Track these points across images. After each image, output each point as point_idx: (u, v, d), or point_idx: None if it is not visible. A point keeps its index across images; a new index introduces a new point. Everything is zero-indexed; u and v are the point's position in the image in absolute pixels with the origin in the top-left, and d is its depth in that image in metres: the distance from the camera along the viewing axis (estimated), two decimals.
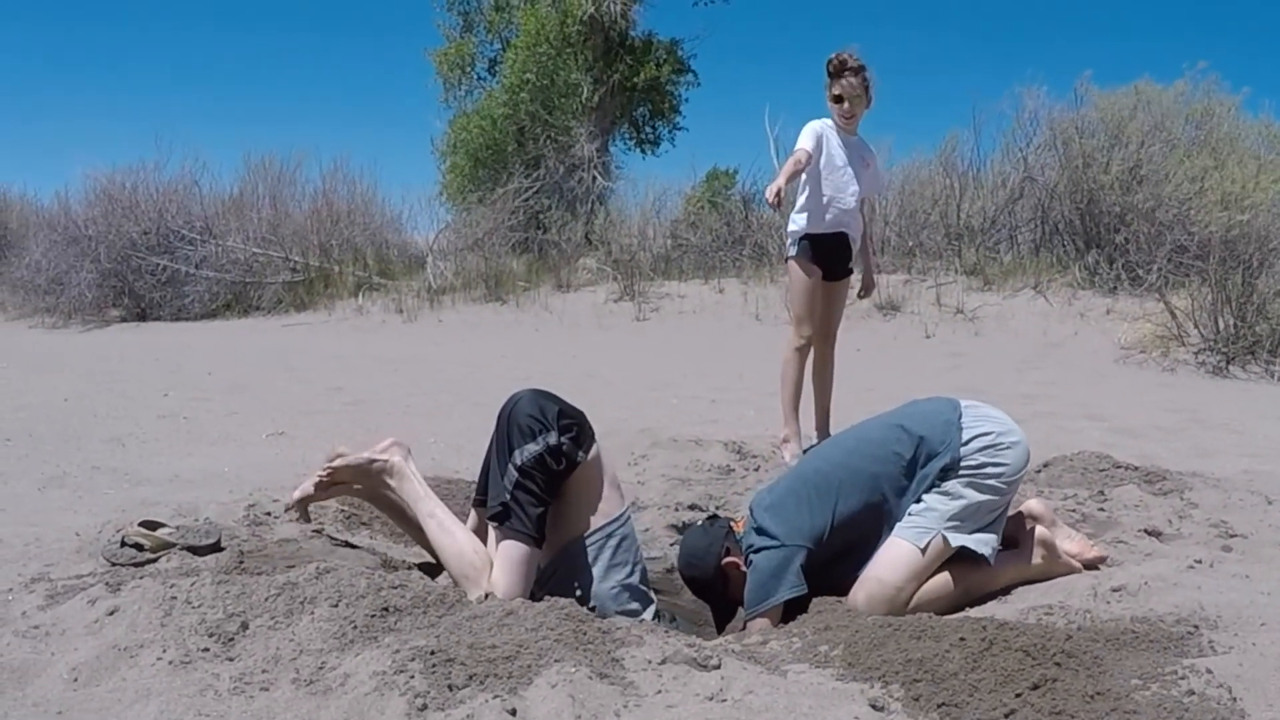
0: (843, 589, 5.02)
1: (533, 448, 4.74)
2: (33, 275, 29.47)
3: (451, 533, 4.97)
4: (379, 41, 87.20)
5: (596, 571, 4.85)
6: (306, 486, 5.31)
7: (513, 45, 31.03)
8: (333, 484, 5.30)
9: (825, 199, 8.63)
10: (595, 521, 4.91)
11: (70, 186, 36.39)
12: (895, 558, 4.87)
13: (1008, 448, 4.95)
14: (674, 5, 38.90)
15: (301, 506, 5.38)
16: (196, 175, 31.04)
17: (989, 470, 4.90)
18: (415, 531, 5.21)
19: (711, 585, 5.24)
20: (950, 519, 4.86)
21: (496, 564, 4.70)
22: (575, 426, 4.86)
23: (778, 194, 8.10)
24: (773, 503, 5.17)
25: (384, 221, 30.39)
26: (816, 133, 8.64)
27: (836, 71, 8.50)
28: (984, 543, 4.89)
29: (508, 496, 4.71)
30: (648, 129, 34.07)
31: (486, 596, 4.53)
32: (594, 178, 29.79)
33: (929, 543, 4.83)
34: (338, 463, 5.24)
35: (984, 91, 52.88)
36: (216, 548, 5.01)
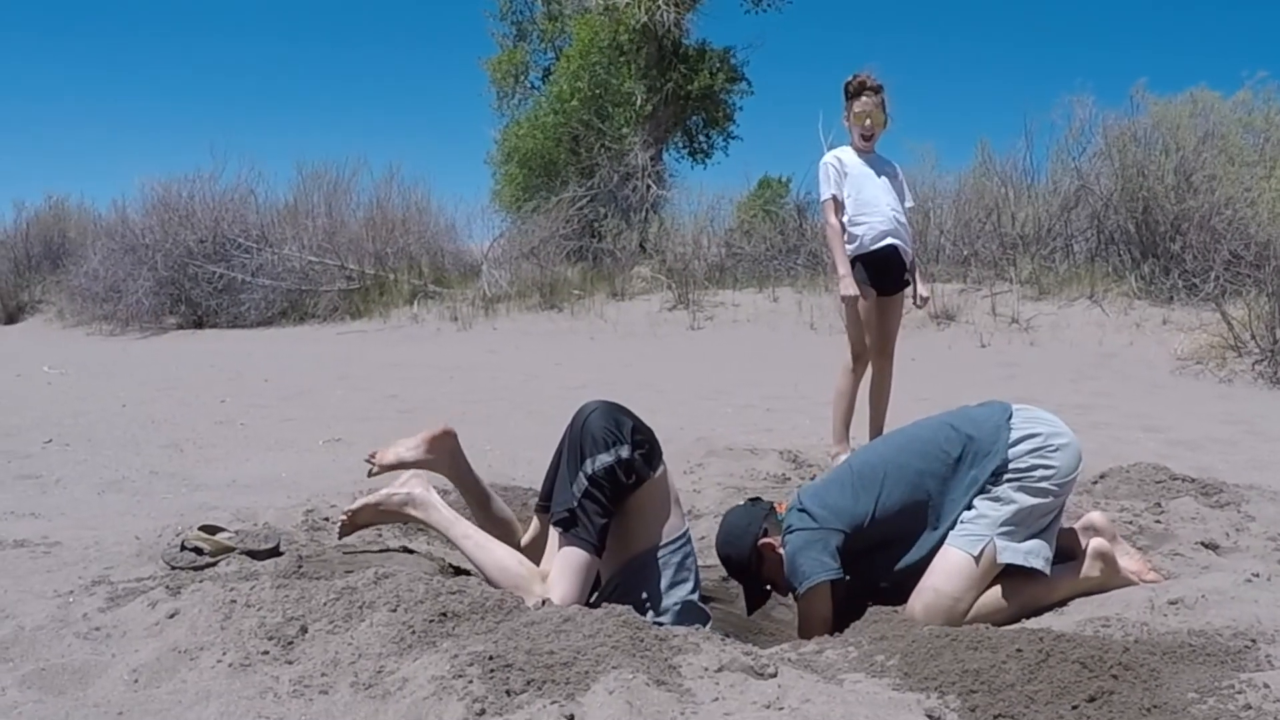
0: (877, 580, 5.08)
1: (605, 459, 4.73)
2: (90, 283, 29.78)
3: (489, 549, 4.97)
4: (433, 50, 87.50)
5: (659, 588, 4.86)
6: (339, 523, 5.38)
7: (565, 54, 31.08)
8: (357, 526, 5.34)
9: (863, 220, 8.65)
10: (659, 538, 4.92)
11: (128, 195, 36.77)
12: (951, 567, 4.84)
13: (1056, 449, 4.92)
14: (726, 13, 38.97)
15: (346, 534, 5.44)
16: (252, 184, 31.34)
17: (1038, 473, 4.87)
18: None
19: (746, 564, 5.27)
20: (1002, 525, 4.83)
21: (555, 569, 4.70)
22: (646, 443, 4.88)
23: (855, 285, 8.58)
24: (817, 489, 5.23)
25: (439, 230, 30.48)
26: (830, 167, 8.77)
27: (856, 91, 8.64)
28: (1035, 552, 4.85)
29: (575, 504, 4.71)
30: (701, 138, 34.07)
31: (544, 602, 4.54)
32: (648, 186, 29.80)
33: (983, 550, 4.80)
34: (357, 504, 5.27)
35: (1036, 99, 52.59)
36: (275, 552, 5.04)
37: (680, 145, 33.96)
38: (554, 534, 4.81)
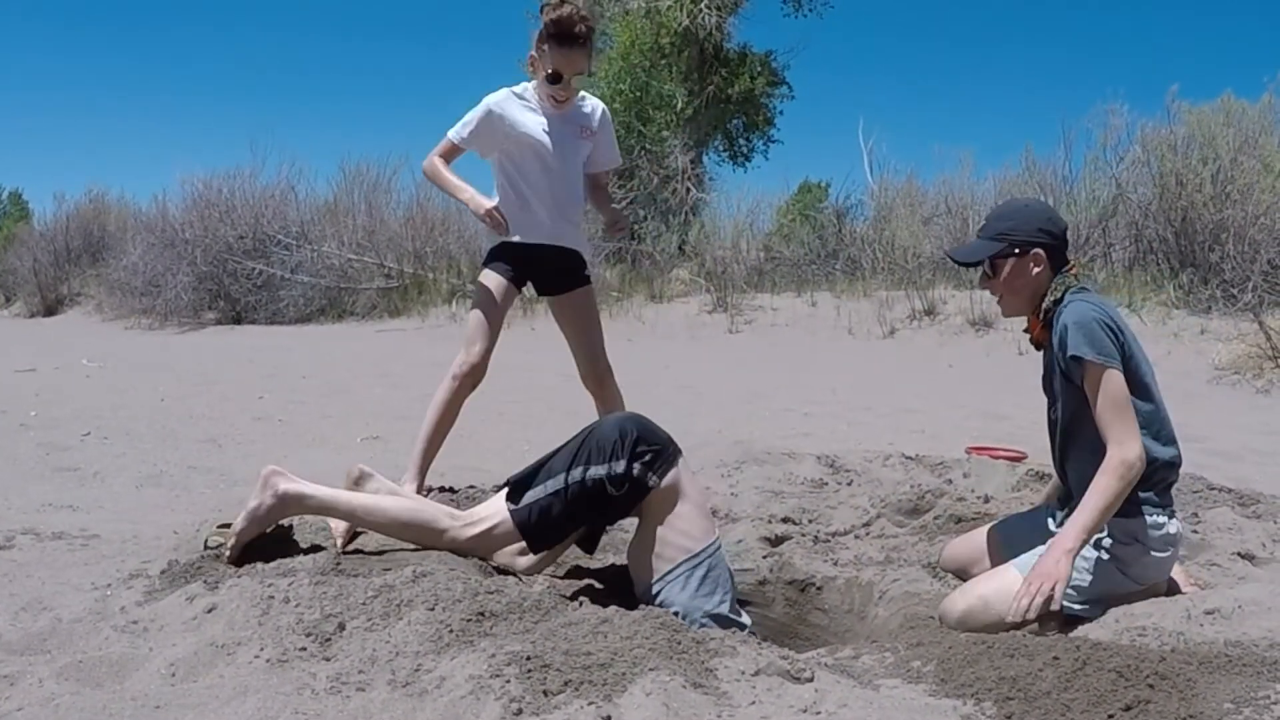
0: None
1: (597, 470, 4.85)
2: (130, 277, 30.09)
3: (381, 506, 5.06)
4: (475, 50, 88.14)
5: (682, 600, 4.87)
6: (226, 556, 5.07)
7: (607, 56, 31.11)
8: (242, 546, 5.02)
9: (518, 212, 7.04)
10: (681, 548, 4.92)
11: (168, 190, 37.03)
12: (1008, 591, 4.77)
13: (1167, 555, 4.87)
14: (768, 17, 39.13)
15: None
16: (292, 181, 31.50)
17: (1149, 561, 4.83)
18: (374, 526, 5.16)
19: (1009, 239, 4.99)
20: (1072, 586, 4.76)
21: (480, 522, 4.98)
22: (652, 452, 4.90)
23: (491, 214, 6.79)
24: None
25: (478, 230, 30.41)
26: (489, 112, 6.88)
27: (563, 37, 6.61)
28: (1089, 610, 4.82)
29: (544, 494, 4.89)
30: (741, 141, 34.12)
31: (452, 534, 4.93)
32: (688, 189, 29.81)
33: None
34: (233, 528, 5.01)
35: (1071, 106, 52.83)
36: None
37: (720, 148, 34.06)
38: (503, 500, 5.05)
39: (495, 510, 5.04)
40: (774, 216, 29.33)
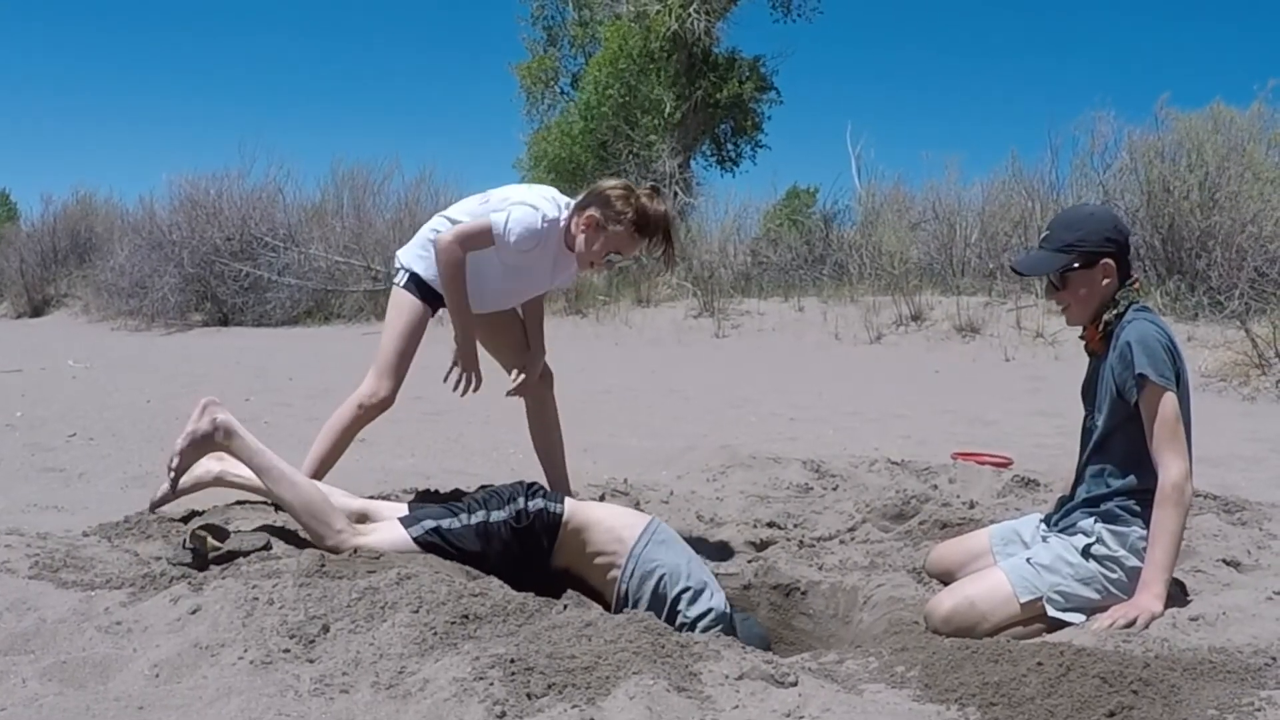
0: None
1: (498, 515, 5.02)
2: (117, 278, 30.07)
3: (294, 482, 5.21)
4: (465, 55, 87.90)
5: (659, 559, 4.91)
6: (165, 488, 5.60)
7: (596, 60, 31.16)
8: (184, 471, 5.50)
9: (473, 277, 6.50)
10: (626, 540, 5.01)
11: (155, 192, 37.02)
12: (994, 593, 4.82)
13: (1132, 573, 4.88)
14: (756, 23, 39.15)
15: (165, 503, 5.70)
16: (280, 183, 31.49)
17: (1116, 574, 4.85)
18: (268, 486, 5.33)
19: (1085, 245, 5.02)
20: (1059, 592, 4.81)
21: (380, 528, 5.12)
22: (542, 487, 5.23)
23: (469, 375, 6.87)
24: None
25: None
26: (539, 236, 6.16)
27: (649, 231, 6.20)
28: (1075, 616, 4.83)
29: (446, 519, 5.09)
30: (729, 146, 34.18)
31: (354, 550, 4.94)
32: (675, 194, 29.80)
33: (1031, 601, 4.79)
34: (179, 445, 5.39)
35: (1060, 113, 52.88)
36: (267, 547, 5.10)
37: (708, 153, 34.15)
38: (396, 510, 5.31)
39: (390, 524, 5.16)
40: (761, 221, 29.38)
